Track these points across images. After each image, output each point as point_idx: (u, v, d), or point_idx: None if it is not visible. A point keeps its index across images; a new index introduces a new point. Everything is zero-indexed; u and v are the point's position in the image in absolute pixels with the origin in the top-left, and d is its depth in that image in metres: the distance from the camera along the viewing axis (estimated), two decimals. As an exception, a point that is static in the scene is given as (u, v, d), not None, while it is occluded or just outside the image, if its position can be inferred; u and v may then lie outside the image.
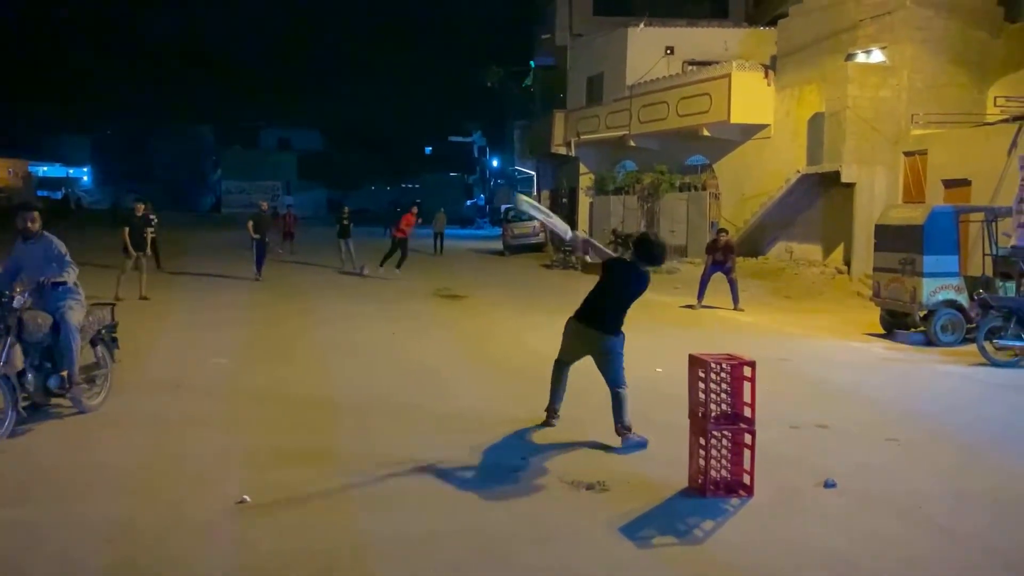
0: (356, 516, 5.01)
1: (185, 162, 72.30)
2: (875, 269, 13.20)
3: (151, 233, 16.36)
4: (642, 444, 6.46)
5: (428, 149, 78.29)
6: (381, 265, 20.15)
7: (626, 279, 6.69)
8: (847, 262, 19.33)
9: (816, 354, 11.30)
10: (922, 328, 12.10)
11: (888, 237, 12.69)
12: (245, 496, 5.15)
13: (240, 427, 6.89)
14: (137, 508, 5.05)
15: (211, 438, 6.53)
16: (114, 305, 8.26)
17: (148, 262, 15.44)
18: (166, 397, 7.84)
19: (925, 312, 11.99)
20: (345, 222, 22.32)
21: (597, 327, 6.67)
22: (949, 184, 16.80)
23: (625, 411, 6.54)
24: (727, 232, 16.87)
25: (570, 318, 6.88)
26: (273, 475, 5.69)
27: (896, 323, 12.73)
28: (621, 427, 6.55)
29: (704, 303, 15.77)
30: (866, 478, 5.92)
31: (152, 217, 18.82)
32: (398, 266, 19.93)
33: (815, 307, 16.26)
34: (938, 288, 11.92)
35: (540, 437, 6.73)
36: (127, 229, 15.07)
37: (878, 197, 18.24)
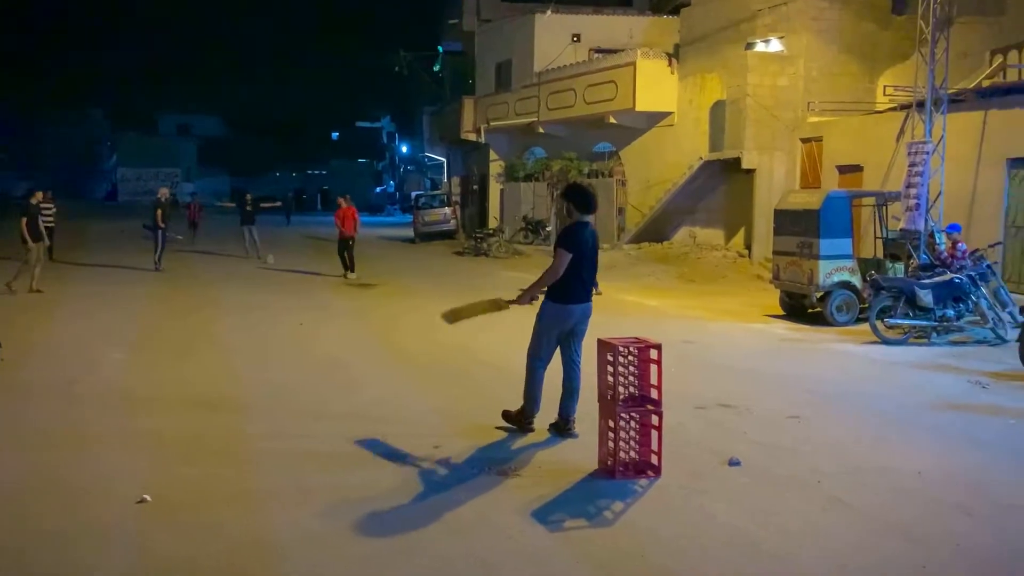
0: (260, 515, 4.88)
1: (76, 148, 68.99)
2: (774, 252, 13.64)
3: (49, 222, 15.65)
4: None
5: (335, 135, 76.81)
6: (352, 271, 17.63)
7: (592, 239, 6.36)
8: (748, 246, 19.93)
9: (719, 336, 11.62)
10: (819, 309, 12.59)
11: (786, 221, 13.12)
12: (145, 495, 4.95)
13: (139, 425, 6.62)
14: (34, 508, 4.79)
15: (109, 436, 6.25)
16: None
17: (43, 253, 14.64)
18: (59, 396, 7.47)
19: (821, 293, 12.47)
20: (248, 208, 21.82)
21: (589, 298, 6.42)
22: (843, 169, 17.50)
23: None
24: None
25: (566, 306, 6.27)
26: (176, 474, 5.49)
27: (794, 304, 13.21)
28: (573, 420, 6.44)
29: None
30: (769, 456, 6.11)
31: (50, 206, 18.22)
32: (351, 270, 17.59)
33: (718, 290, 16.72)
34: (833, 270, 12.40)
35: (451, 427, 6.71)
36: (24, 219, 14.26)
37: (777, 182, 18.86)
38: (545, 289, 6.29)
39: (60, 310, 12.63)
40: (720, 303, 14.87)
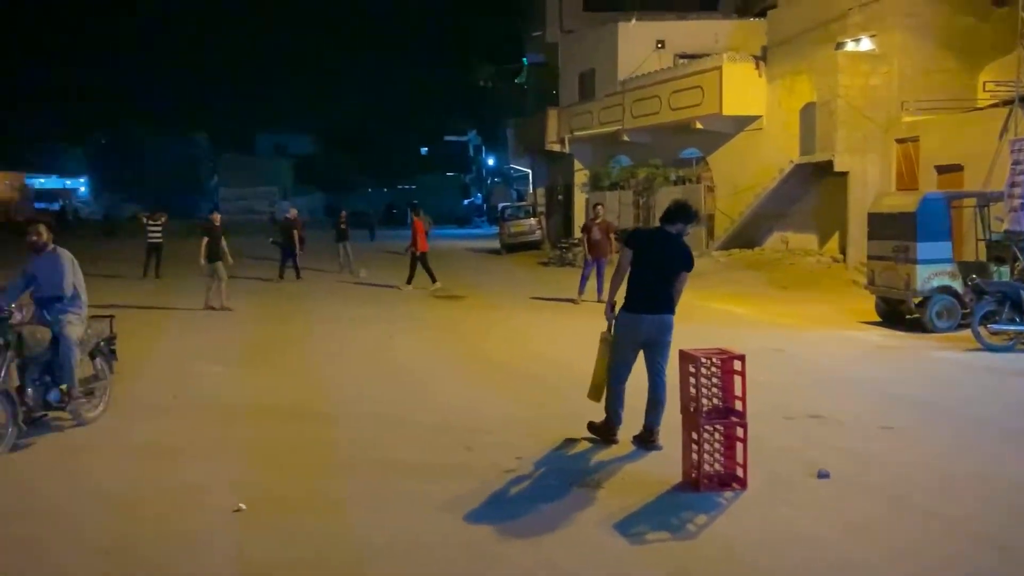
0: (349, 523, 5.04)
1: (181, 170, 72.30)
2: (869, 257, 13.23)
3: (156, 239, 17.44)
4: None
5: (424, 150, 78.35)
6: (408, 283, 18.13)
7: (663, 245, 6.30)
8: (843, 251, 19.34)
9: (811, 344, 11.34)
10: (917, 315, 12.13)
11: (881, 225, 12.72)
12: (241, 504, 5.19)
13: (235, 436, 6.93)
14: (133, 519, 5.08)
15: (207, 449, 6.57)
16: (113, 317, 8.29)
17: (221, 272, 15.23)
18: (163, 408, 7.89)
19: (920, 299, 12.02)
20: (343, 226, 22.48)
21: (663, 310, 6.24)
22: (942, 170, 16.82)
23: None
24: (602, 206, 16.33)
25: (634, 315, 6.22)
26: (268, 483, 5.73)
27: (891, 311, 12.77)
28: (657, 431, 6.36)
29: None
30: (859, 467, 5.95)
31: (158, 224, 19.98)
32: (408, 281, 18.09)
33: (811, 297, 16.28)
34: (932, 274, 11.94)
35: (535, 438, 6.76)
36: (206, 240, 15.19)
37: (871, 185, 18.25)
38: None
39: (168, 322, 13.27)
40: (813, 310, 14.50)
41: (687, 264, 6.32)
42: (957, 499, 5.31)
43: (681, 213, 6.40)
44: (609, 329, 6.54)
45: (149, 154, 71.72)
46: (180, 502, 5.36)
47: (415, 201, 26.29)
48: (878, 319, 12.97)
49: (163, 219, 21.36)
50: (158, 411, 7.74)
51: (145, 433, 7.01)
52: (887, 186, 18.05)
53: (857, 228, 17.69)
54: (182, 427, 7.19)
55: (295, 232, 20.21)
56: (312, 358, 10.63)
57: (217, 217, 16.02)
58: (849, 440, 6.65)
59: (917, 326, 12.06)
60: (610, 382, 6.45)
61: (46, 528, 4.96)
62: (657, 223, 6.45)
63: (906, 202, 12.58)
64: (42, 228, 7.23)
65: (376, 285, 19.20)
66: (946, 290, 11.95)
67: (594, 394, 6.65)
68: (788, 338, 11.71)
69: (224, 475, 5.85)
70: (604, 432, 6.53)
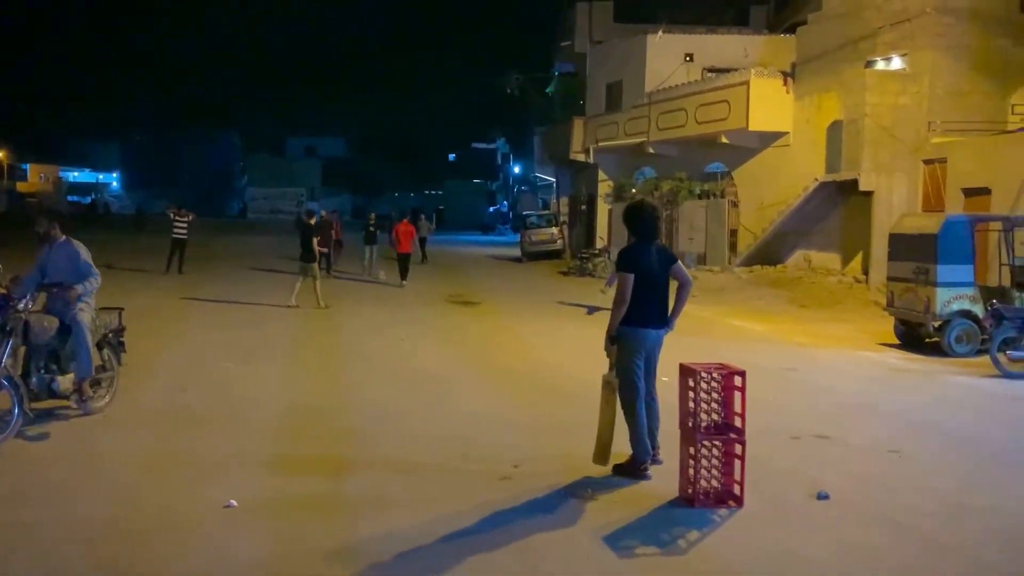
0: (339, 524, 5.02)
1: (213, 168, 73.19)
2: (889, 278, 13.05)
3: (182, 235, 17.95)
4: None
5: (452, 156, 78.58)
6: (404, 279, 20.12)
7: (656, 259, 6.03)
8: (865, 271, 19.12)
9: (825, 364, 11.19)
10: (936, 339, 11.94)
11: (902, 246, 12.55)
12: (232, 500, 5.20)
13: (239, 433, 6.95)
14: (127, 509, 5.11)
15: (210, 443, 6.59)
16: (122, 309, 8.36)
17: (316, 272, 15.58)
18: (171, 400, 7.94)
19: (939, 322, 11.83)
20: (372, 228, 22.43)
21: (664, 324, 6.09)
22: (969, 193, 16.59)
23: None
24: None
25: (640, 329, 5.97)
26: (265, 481, 5.73)
27: (910, 333, 12.58)
28: (656, 447, 6.11)
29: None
30: (862, 491, 5.84)
31: (184, 221, 20.65)
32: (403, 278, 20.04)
33: (831, 317, 16.09)
34: (952, 298, 11.76)
35: (534, 446, 6.71)
36: (315, 238, 15.69)
37: (897, 205, 18.04)
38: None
39: (184, 320, 13.38)
40: (831, 329, 14.32)
41: (672, 258, 6.20)
42: (959, 528, 5.19)
43: (653, 226, 6.19)
44: (611, 369, 6.09)
45: (182, 152, 72.68)
46: (176, 495, 5.37)
47: (417, 207, 26.62)
48: (897, 341, 12.78)
49: (190, 216, 21.58)
50: (165, 403, 7.79)
51: (151, 419, 7.05)
52: (913, 207, 17.83)
53: (880, 248, 17.44)
54: (185, 420, 7.23)
55: (332, 231, 20.80)
56: (324, 357, 10.66)
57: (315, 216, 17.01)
58: (854, 463, 6.53)
59: (936, 350, 11.87)
60: (630, 405, 5.93)
61: (42, 514, 4.99)
62: (634, 239, 6.14)
63: (928, 224, 12.40)
64: (42, 219, 7.31)
65: (394, 287, 19.29)
66: (966, 314, 11.76)
67: (600, 457, 6.00)
68: (803, 357, 11.57)
69: (224, 469, 5.87)
70: (634, 469, 5.95)
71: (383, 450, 6.56)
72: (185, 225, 21.23)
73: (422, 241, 27.90)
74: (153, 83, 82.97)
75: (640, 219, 6.17)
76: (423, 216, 21.18)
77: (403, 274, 20.17)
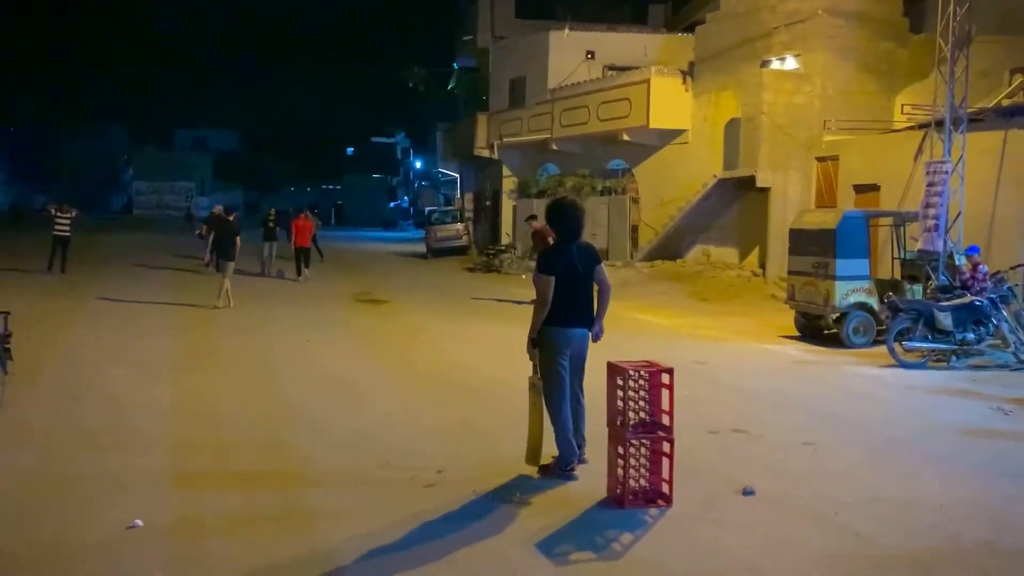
0: (256, 541, 4.72)
1: (96, 162, 69.44)
2: (789, 272, 13.43)
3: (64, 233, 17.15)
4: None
5: (350, 150, 77.14)
6: (299, 274, 20.25)
7: (581, 257, 5.86)
8: (762, 265, 19.70)
9: (732, 357, 11.41)
10: (835, 330, 12.35)
11: (802, 241, 12.92)
12: (137, 520, 4.81)
13: (137, 446, 6.50)
14: (12, 542, 4.65)
15: (105, 459, 6.12)
16: (8, 314, 7.73)
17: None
18: (61, 411, 7.37)
19: (838, 315, 12.24)
20: (271, 224, 21.59)
21: (588, 324, 5.94)
22: (859, 189, 17.28)
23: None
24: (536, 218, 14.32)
25: (565, 329, 5.79)
26: (171, 498, 5.35)
27: (810, 325, 12.98)
28: (583, 448, 6.01)
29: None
30: (783, 484, 5.91)
31: (66, 217, 19.48)
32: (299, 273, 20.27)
33: (731, 310, 16.49)
34: (850, 291, 12.18)
35: (458, 450, 6.53)
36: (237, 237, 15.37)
37: (792, 201, 18.64)
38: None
39: (69, 319, 12.56)
40: (734, 323, 14.66)
41: (596, 258, 5.99)
42: (881, 520, 5.27)
43: (575, 224, 5.93)
44: (535, 371, 5.97)
45: (62, 145, 68.67)
46: (73, 515, 4.94)
47: (312, 202, 26.13)
48: (797, 334, 13.17)
49: (73, 212, 20.33)
50: (53, 416, 7.22)
51: (41, 432, 6.51)
52: (807, 203, 18.45)
53: (777, 243, 18.05)
54: (77, 431, 6.71)
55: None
56: (226, 362, 10.16)
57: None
58: (772, 457, 6.62)
59: (834, 341, 12.29)
60: (554, 405, 5.79)
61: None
62: (555, 240, 6.02)
63: (826, 219, 12.82)
64: None
65: (292, 282, 18.70)
66: (862, 307, 12.21)
67: (532, 458, 5.92)
68: (710, 350, 11.77)
69: (123, 487, 5.44)
70: (560, 469, 5.84)
71: (297, 460, 6.25)
72: (68, 222, 20.02)
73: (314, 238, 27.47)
74: (32, 73, 78.20)
75: (562, 217, 6.01)
76: (307, 212, 20.92)
77: (299, 268, 20.28)
